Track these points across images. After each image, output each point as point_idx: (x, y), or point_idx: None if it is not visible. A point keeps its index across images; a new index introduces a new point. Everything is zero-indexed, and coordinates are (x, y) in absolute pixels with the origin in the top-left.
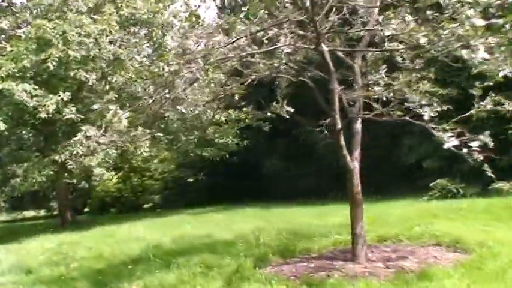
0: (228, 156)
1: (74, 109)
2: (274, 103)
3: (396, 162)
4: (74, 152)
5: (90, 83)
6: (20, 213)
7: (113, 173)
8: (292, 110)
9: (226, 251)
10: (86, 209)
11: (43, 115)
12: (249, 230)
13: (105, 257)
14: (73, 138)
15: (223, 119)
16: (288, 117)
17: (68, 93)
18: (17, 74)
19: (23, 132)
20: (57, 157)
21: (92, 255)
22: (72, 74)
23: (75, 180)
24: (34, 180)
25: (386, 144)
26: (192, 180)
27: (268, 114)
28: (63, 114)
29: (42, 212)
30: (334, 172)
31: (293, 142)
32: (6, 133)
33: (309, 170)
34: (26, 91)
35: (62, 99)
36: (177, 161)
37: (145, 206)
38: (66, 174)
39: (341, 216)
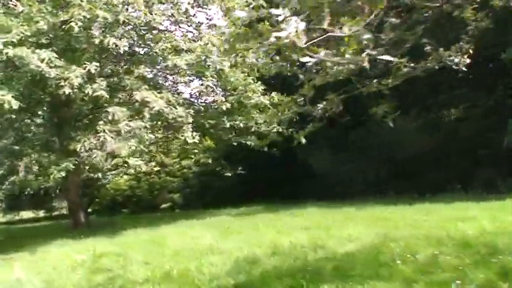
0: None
1: (104, 83)
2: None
3: (497, 149)
4: (101, 139)
5: (121, 51)
6: (17, 214)
7: (153, 163)
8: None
9: (406, 276)
10: (89, 210)
11: (67, 90)
12: (370, 238)
13: (180, 279)
14: (99, 122)
15: (267, 102)
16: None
17: (96, 64)
18: (30, 39)
19: (39, 112)
20: (78, 146)
21: (156, 275)
22: (97, 41)
23: (99, 175)
24: (52, 176)
25: (479, 126)
26: (230, 174)
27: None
28: (87, 91)
29: (41, 213)
30: (395, 165)
31: (345, 131)
32: (14, 116)
33: (364, 163)
34: (43, 60)
35: (89, 71)
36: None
37: (163, 205)
38: (87, 167)
39: (489, 218)
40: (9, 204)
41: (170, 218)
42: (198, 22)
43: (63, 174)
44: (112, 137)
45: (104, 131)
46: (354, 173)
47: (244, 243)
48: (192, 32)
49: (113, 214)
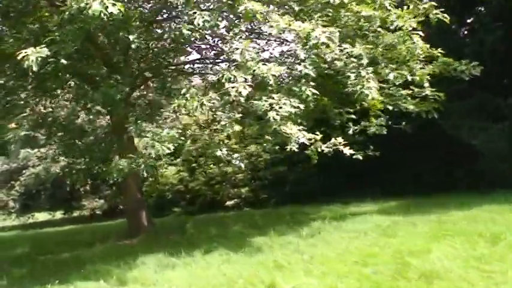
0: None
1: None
2: None
3: None
4: (234, 93)
5: None
6: (31, 216)
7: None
8: None
9: None
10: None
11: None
12: None
13: None
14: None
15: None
16: None
17: None
18: None
19: (134, 39)
20: (194, 104)
21: None
22: None
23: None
24: (157, 150)
25: None
26: (361, 157)
27: None
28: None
29: (59, 214)
30: None
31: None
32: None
33: None
34: None
35: None
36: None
37: (229, 203)
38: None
39: None
40: (24, 205)
41: (271, 219)
42: None
43: (170, 147)
44: (246, 89)
45: (233, 79)
46: None
47: None
48: None
49: (162, 214)
